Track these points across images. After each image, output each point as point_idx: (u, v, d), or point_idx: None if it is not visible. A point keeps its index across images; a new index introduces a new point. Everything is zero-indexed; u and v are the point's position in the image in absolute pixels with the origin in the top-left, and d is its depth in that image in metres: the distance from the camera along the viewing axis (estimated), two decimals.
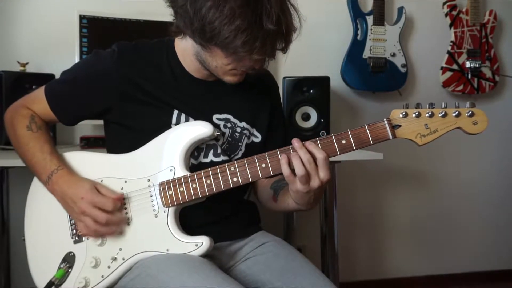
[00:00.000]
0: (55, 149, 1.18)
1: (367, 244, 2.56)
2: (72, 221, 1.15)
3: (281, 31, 1.02)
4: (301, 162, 1.00)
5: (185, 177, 1.09)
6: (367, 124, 1.04)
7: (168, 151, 1.12)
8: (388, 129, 1.02)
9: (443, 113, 1.01)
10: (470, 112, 1.00)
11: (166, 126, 1.16)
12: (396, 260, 2.59)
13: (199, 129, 1.12)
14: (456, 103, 1.03)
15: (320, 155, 1.01)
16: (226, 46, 1.01)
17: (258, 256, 1.19)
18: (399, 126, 1.03)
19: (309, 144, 1.02)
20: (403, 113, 1.02)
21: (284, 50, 1.08)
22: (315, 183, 1.01)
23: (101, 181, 1.14)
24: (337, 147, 1.04)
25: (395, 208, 2.58)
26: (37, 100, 1.21)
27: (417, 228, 2.61)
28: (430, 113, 1.01)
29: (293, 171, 1.02)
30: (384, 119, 1.03)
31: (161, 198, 1.10)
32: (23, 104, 1.23)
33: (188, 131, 1.13)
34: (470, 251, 2.68)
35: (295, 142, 1.02)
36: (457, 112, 1.01)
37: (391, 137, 1.03)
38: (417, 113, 1.02)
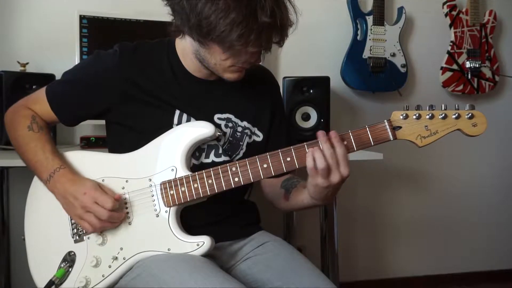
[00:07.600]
0: (56, 149, 1.19)
1: (367, 244, 2.56)
2: (73, 220, 1.15)
3: (275, 24, 1.02)
4: (323, 156, 1.00)
5: (186, 177, 1.10)
6: (368, 126, 1.04)
7: (169, 151, 1.12)
8: (389, 130, 1.03)
9: (443, 115, 1.02)
10: (470, 114, 1.01)
11: (168, 126, 1.16)
12: (396, 260, 2.59)
13: (200, 130, 1.12)
14: (456, 105, 1.03)
15: (340, 150, 1.00)
16: (223, 40, 1.02)
17: (258, 255, 1.19)
18: (400, 127, 1.03)
19: (335, 137, 1.01)
20: (404, 115, 1.03)
21: (280, 43, 1.08)
22: (335, 177, 1.01)
23: (102, 180, 1.14)
24: None
25: (395, 208, 2.58)
26: (38, 101, 1.21)
27: (417, 228, 2.61)
28: (430, 115, 1.02)
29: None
30: (385, 121, 1.04)
31: (163, 198, 1.11)
32: (24, 105, 1.23)
33: (189, 131, 1.13)
34: (470, 251, 2.68)
35: (321, 135, 1.02)
36: (457, 114, 1.02)
37: (391, 139, 1.03)
38: (417, 114, 1.02)
